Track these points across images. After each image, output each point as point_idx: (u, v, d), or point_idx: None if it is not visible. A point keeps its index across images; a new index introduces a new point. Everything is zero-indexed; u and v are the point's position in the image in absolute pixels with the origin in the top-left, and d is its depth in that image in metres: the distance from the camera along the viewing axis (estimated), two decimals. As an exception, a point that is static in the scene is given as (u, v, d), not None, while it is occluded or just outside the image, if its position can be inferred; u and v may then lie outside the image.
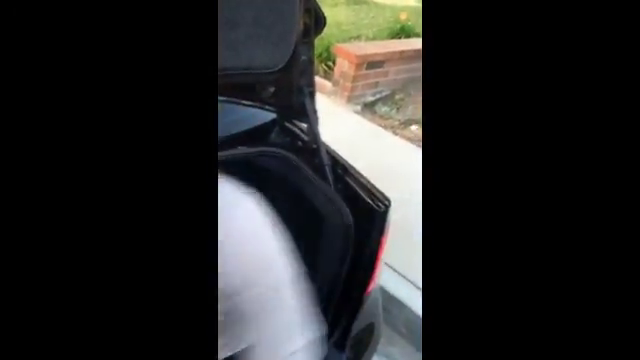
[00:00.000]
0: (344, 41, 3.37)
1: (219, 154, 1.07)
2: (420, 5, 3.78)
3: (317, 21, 1.05)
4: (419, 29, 3.79)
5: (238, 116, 1.11)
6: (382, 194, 1.08)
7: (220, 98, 1.04)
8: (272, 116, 1.16)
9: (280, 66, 1.02)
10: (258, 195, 1.36)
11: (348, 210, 1.07)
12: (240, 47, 0.92)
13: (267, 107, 1.11)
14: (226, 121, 1.13)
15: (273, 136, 1.17)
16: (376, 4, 4.68)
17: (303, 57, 1.05)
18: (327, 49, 3.37)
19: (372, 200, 1.07)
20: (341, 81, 3.19)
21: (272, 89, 1.14)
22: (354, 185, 1.11)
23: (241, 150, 1.12)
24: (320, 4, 1.04)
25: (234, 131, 1.10)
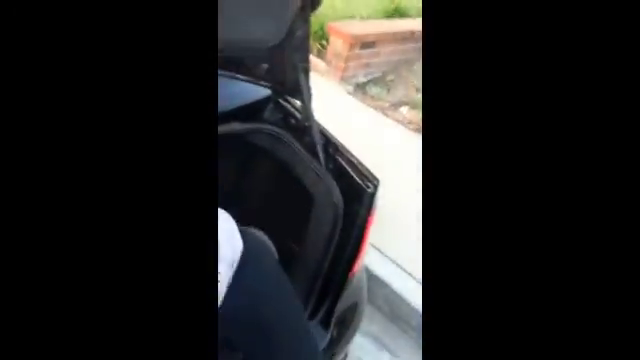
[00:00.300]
0: (338, 19, 3.33)
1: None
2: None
3: (314, -3, 1.03)
4: (413, 11, 3.76)
5: (232, 91, 1.10)
6: (371, 174, 1.08)
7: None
8: (266, 92, 1.15)
9: (276, 41, 1.01)
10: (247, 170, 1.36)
11: (338, 189, 1.08)
12: (237, 21, 0.90)
13: (262, 83, 1.10)
14: (220, 95, 1.12)
15: (267, 113, 1.16)
16: (371, -17, 4.63)
17: (299, 33, 1.04)
18: (322, 27, 3.33)
19: (362, 180, 1.08)
20: (334, 61, 3.17)
21: (265, 65, 1.13)
22: (344, 164, 1.11)
23: (234, 126, 1.11)
24: (317, -19, 1.03)
25: (228, 106, 1.09)
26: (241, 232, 0.92)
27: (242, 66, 1.07)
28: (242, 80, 1.08)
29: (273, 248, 1.15)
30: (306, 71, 1.12)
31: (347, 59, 3.11)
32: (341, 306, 1.11)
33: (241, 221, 1.19)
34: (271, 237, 1.26)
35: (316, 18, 3.24)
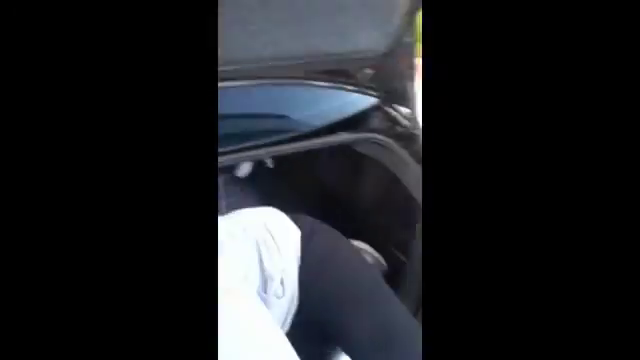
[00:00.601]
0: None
1: (319, 141, 1.09)
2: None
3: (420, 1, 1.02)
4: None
5: (340, 101, 1.11)
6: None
7: (324, 84, 1.06)
8: (373, 101, 1.15)
9: (384, 49, 1.01)
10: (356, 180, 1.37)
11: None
12: (347, 31, 0.92)
13: (369, 92, 1.11)
14: (328, 107, 1.14)
15: (374, 122, 1.16)
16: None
17: (405, 39, 1.03)
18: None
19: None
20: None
21: (370, 72, 1.13)
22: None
23: (341, 136, 1.12)
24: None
25: (336, 117, 1.11)
26: (292, 219, 0.92)
27: (346, 75, 1.08)
28: (349, 90, 1.09)
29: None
30: (411, 78, 1.11)
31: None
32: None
33: (349, 230, 1.20)
34: (378, 246, 1.25)
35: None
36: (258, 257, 0.86)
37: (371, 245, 1.25)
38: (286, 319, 0.88)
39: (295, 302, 0.88)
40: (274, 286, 0.86)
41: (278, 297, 0.86)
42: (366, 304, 0.87)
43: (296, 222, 0.92)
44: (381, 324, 0.84)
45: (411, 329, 0.85)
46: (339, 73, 1.06)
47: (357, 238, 1.21)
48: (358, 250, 0.98)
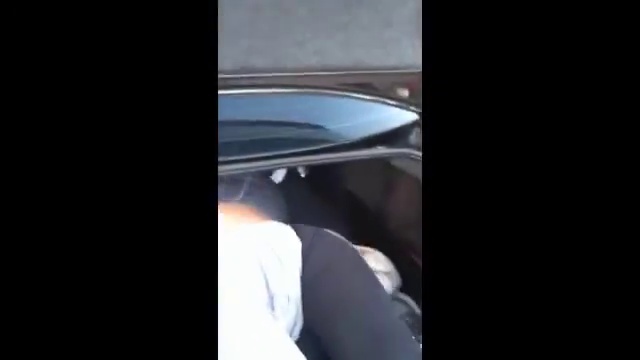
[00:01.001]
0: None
1: (355, 153, 1.08)
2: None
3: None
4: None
5: (379, 116, 1.11)
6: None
7: (364, 97, 1.05)
8: (413, 117, 1.13)
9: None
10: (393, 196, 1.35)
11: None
12: (392, 46, 0.91)
13: (410, 108, 1.09)
14: (366, 120, 1.14)
15: (412, 138, 1.15)
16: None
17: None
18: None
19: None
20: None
21: (406, 92, 1.12)
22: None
23: (377, 150, 1.12)
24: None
25: (373, 131, 1.10)
26: (294, 229, 0.90)
27: (394, 90, 1.08)
28: (390, 105, 1.08)
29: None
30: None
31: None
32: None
33: (381, 243, 1.18)
34: (403, 262, 1.23)
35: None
36: (264, 278, 0.86)
37: (395, 260, 1.23)
38: (292, 332, 0.87)
39: (301, 316, 0.87)
40: (281, 302, 0.85)
41: (284, 312, 0.85)
42: (361, 318, 0.85)
43: (298, 233, 0.91)
44: (375, 339, 0.83)
45: (407, 343, 0.83)
46: (379, 88, 1.05)
47: (383, 252, 1.20)
48: (360, 260, 0.96)
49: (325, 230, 0.98)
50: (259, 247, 0.89)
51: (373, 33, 0.87)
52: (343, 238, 1.00)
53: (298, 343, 0.84)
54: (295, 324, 0.88)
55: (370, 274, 0.95)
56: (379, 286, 0.94)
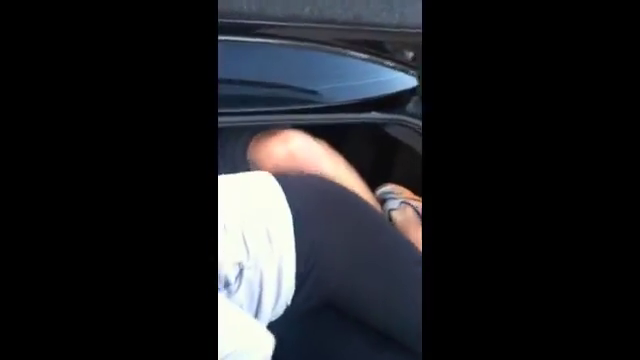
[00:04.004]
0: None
1: (346, 116, 1.01)
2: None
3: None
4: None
5: (377, 78, 1.03)
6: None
7: (363, 56, 0.97)
8: (413, 82, 1.06)
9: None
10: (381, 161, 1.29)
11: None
12: (395, 2, 0.83)
13: (411, 72, 1.02)
14: (365, 83, 1.06)
15: (410, 105, 1.08)
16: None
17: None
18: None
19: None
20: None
21: (411, 54, 1.04)
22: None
23: (373, 116, 1.05)
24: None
25: (371, 94, 1.02)
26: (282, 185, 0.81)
27: (394, 51, 1.00)
28: (388, 67, 1.00)
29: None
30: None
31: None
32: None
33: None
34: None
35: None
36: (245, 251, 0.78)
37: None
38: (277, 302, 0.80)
39: (285, 281, 0.80)
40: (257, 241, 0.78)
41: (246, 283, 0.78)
42: (379, 268, 0.81)
43: (286, 191, 0.81)
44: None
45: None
46: (379, 47, 0.97)
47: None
48: (358, 199, 0.89)
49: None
50: (242, 218, 0.81)
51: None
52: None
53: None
54: (279, 293, 0.81)
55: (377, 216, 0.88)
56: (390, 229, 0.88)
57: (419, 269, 0.85)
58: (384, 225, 0.93)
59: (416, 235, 1.09)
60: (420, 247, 0.93)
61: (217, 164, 0.52)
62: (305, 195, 0.82)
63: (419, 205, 1.19)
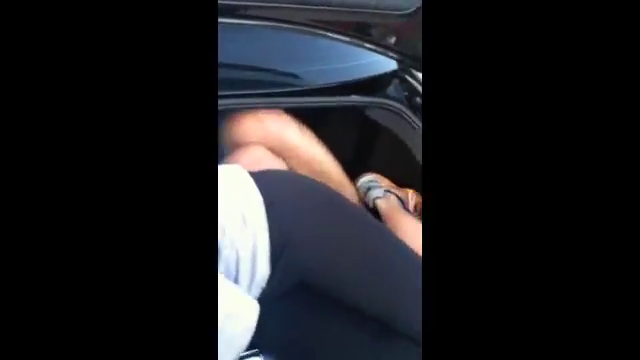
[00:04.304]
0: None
1: (326, 99, 1.01)
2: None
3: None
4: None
5: (357, 61, 1.03)
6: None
7: (342, 38, 0.97)
8: (393, 66, 1.06)
9: (413, 9, 0.91)
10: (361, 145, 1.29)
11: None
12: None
13: (390, 55, 1.02)
14: (344, 66, 1.06)
15: (390, 88, 1.08)
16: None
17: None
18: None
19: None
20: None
21: (398, 34, 1.04)
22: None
23: (353, 99, 1.05)
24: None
25: (350, 77, 1.02)
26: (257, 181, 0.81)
27: (374, 34, 0.99)
28: (369, 49, 1.00)
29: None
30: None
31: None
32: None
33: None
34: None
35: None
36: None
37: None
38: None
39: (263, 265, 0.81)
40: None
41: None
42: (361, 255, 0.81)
43: (258, 183, 0.82)
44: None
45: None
46: (359, 30, 0.97)
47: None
48: (328, 189, 0.90)
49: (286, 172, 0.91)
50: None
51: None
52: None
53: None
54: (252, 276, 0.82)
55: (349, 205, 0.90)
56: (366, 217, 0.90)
57: (396, 253, 0.88)
58: (356, 211, 0.93)
59: (402, 221, 1.11)
60: (405, 232, 0.94)
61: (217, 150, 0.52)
62: (276, 185, 0.83)
63: (400, 193, 1.21)
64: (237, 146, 0.93)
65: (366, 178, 1.20)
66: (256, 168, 0.82)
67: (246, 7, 0.82)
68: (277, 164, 1.01)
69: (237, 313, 0.66)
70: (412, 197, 1.20)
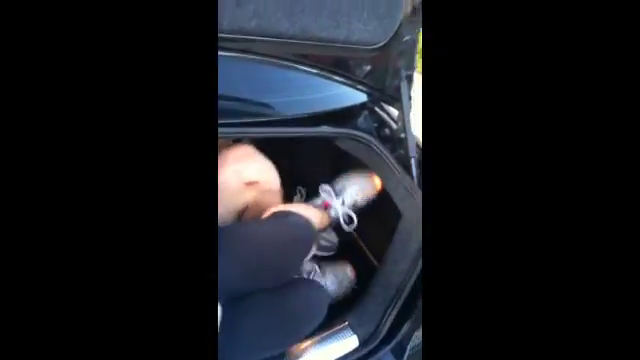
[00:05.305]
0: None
1: (297, 130, 1.03)
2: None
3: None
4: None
5: (328, 93, 1.05)
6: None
7: (312, 71, 0.99)
8: (362, 98, 1.08)
9: (381, 43, 0.95)
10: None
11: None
12: (341, 18, 0.85)
13: (359, 87, 1.04)
14: (315, 97, 1.08)
15: (360, 120, 1.10)
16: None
17: (406, 37, 0.97)
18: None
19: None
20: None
21: (367, 67, 1.07)
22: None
23: (323, 129, 1.06)
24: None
25: (322, 108, 1.04)
26: None
27: (343, 67, 1.02)
28: (339, 82, 1.03)
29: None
30: (409, 79, 1.05)
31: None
32: (419, 336, 1.01)
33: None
34: (353, 250, 1.19)
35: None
36: None
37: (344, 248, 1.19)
38: None
39: None
40: None
41: None
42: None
43: None
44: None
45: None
46: (331, 63, 0.99)
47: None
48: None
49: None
50: None
51: (321, 2, 0.82)
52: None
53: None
54: None
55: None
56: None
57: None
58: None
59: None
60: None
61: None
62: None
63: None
64: None
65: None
66: (243, 163, 0.85)
67: (221, 39, 0.84)
68: (263, 160, 1.08)
69: None
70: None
